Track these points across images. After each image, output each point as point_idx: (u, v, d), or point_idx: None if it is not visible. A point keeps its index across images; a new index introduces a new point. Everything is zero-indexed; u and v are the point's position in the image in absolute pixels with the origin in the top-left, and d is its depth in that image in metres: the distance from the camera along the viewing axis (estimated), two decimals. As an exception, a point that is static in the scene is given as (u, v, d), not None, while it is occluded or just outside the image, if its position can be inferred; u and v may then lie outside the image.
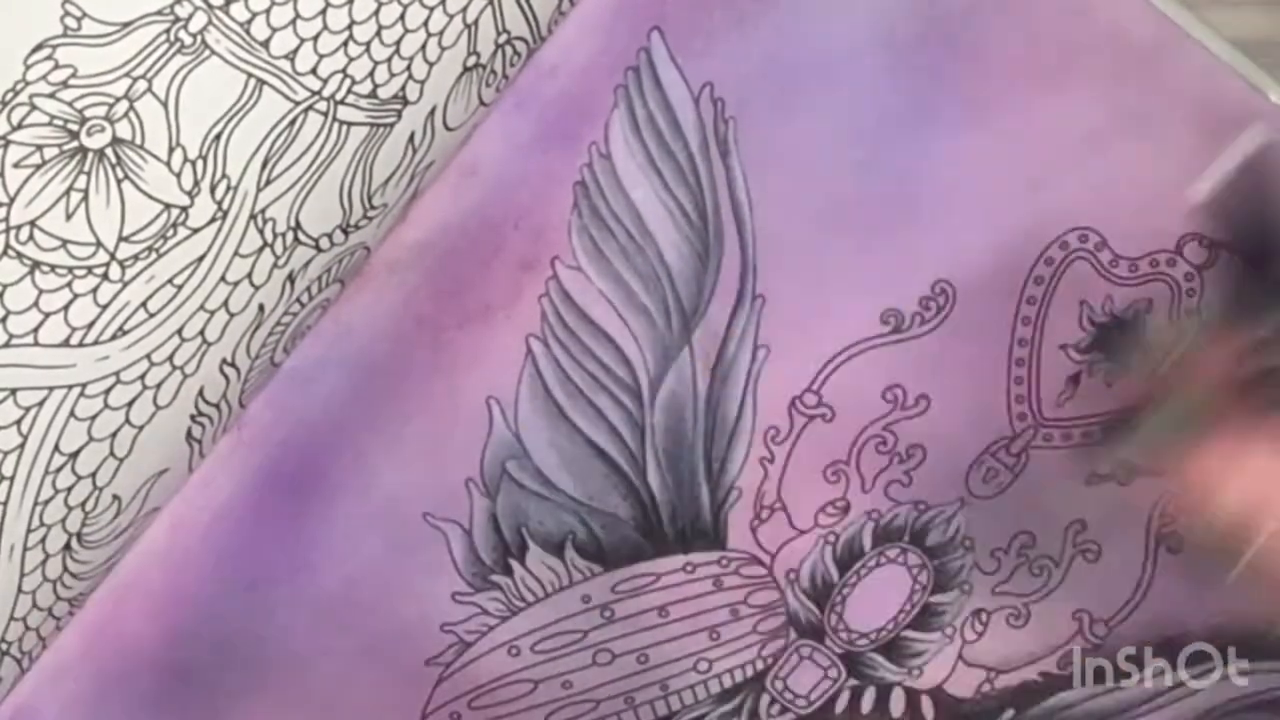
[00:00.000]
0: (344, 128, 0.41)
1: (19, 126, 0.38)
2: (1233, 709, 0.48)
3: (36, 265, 0.38)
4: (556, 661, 0.48)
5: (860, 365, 0.47)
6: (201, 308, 0.41)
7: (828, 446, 0.48)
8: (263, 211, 0.41)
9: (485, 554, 0.47)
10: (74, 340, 0.39)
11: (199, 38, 0.39)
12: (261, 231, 0.41)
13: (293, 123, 0.40)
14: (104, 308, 0.39)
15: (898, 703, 0.48)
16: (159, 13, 0.39)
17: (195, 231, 0.40)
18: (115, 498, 0.42)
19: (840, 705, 0.49)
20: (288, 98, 0.40)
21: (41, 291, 0.39)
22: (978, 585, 0.48)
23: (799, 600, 0.48)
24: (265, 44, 0.39)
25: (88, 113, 0.38)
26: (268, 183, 0.40)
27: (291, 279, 0.42)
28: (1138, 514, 0.48)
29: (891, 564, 0.48)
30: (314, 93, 0.40)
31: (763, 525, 0.48)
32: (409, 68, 0.41)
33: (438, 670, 0.48)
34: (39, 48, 0.38)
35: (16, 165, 0.38)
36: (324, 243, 0.42)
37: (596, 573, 0.48)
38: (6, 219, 0.38)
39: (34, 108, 0.38)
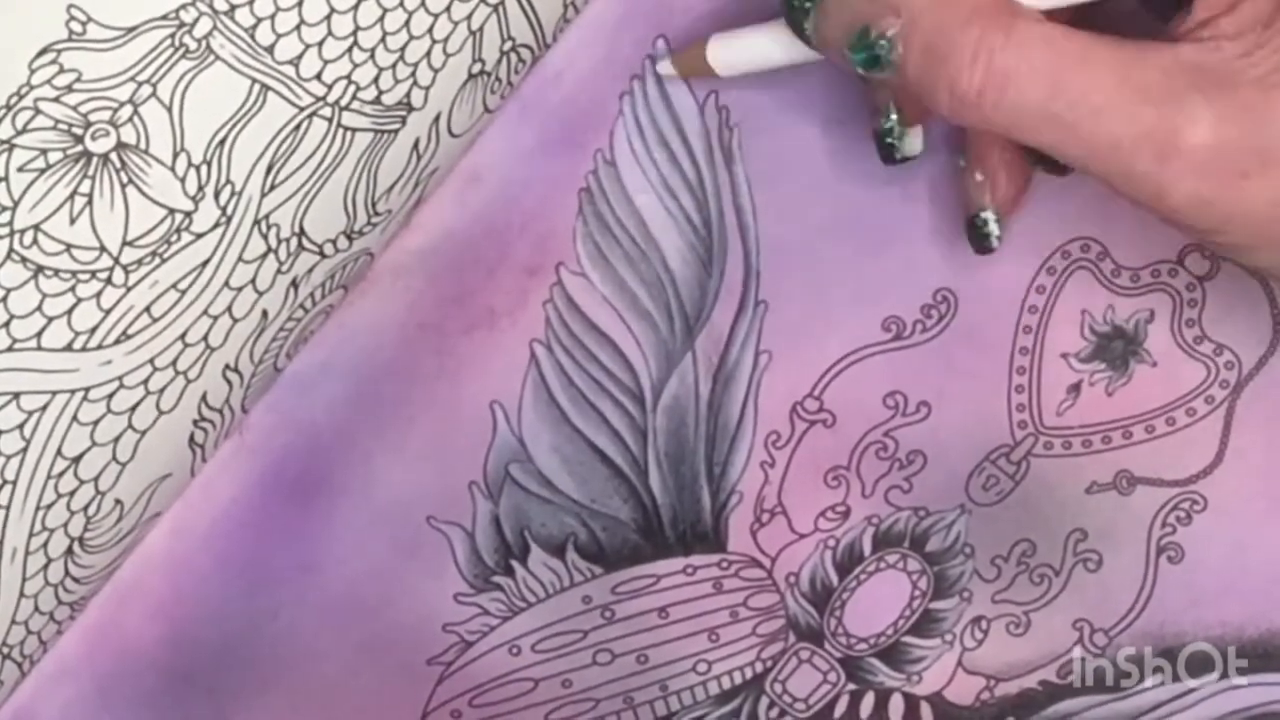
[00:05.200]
0: (348, 134, 0.41)
1: (23, 131, 0.38)
2: (1233, 720, 0.48)
3: (40, 270, 0.38)
4: (557, 661, 0.48)
5: (861, 371, 0.47)
6: (205, 313, 0.41)
7: (828, 452, 0.48)
8: (267, 217, 0.40)
9: (487, 555, 0.47)
10: (77, 345, 0.39)
11: (204, 43, 0.39)
12: (265, 237, 0.41)
13: (297, 128, 0.40)
14: (107, 312, 0.39)
15: (896, 709, 0.48)
16: (164, 17, 0.38)
17: (199, 236, 0.40)
18: (118, 502, 0.42)
19: (839, 710, 0.49)
20: (292, 103, 0.40)
21: (45, 296, 0.39)
22: (978, 592, 0.48)
23: (798, 604, 0.48)
24: (270, 49, 0.39)
25: (92, 117, 0.38)
26: (272, 188, 0.40)
27: (295, 284, 0.42)
28: (1138, 523, 0.48)
29: (891, 569, 0.48)
30: (319, 98, 0.40)
31: (763, 529, 0.48)
32: (414, 74, 0.41)
33: (439, 669, 0.48)
34: (44, 52, 0.38)
35: (21, 169, 0.38)
36: (328, 248, 0.42)
37: (597, 574, 0.48)
38: (10, 223, 0.38)
39: (39, 112, 0.38)
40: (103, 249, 0.39)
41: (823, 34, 0.41)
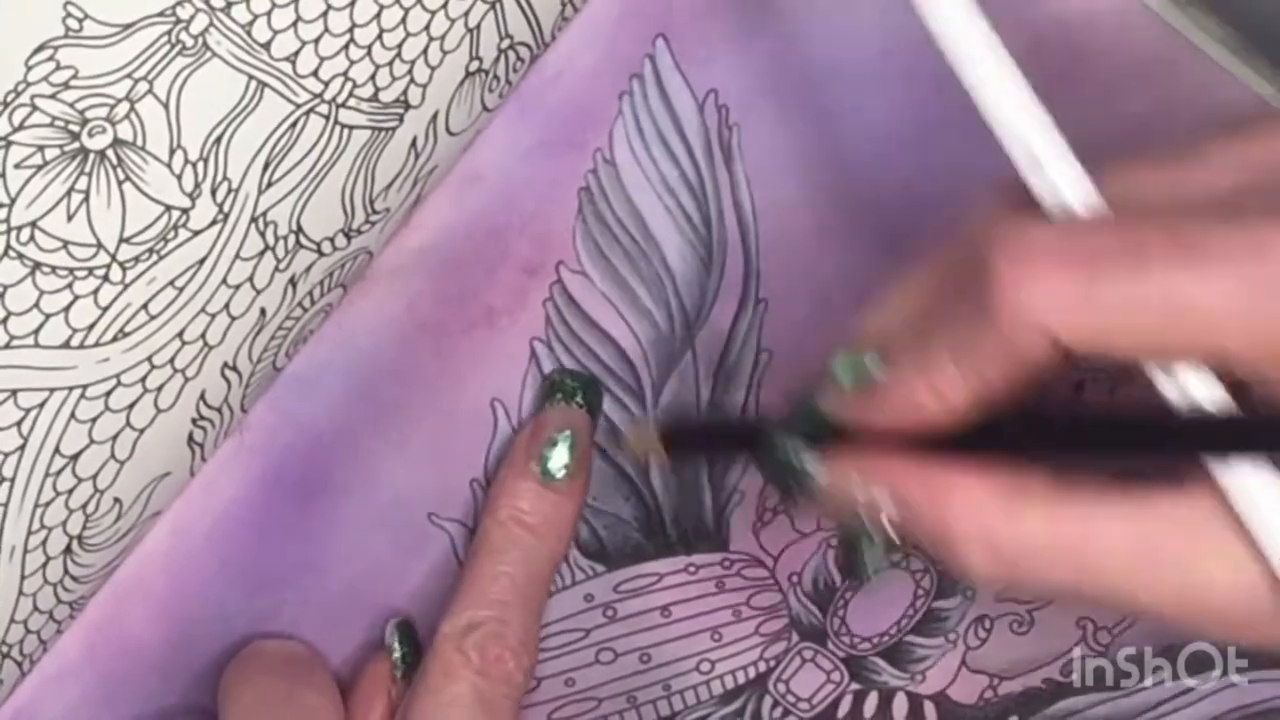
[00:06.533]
0: (346, 131, 0.41)
1: (20, 127, 0.38)
2: (1235, 718, 0.48)
3: (37, 266, 0.38)
4: (559, 659, 0.48)
5: (863, 370, 0.47)
6: (203, 310, 0.41)
7: (831, 450, 0.48)
8: (264, 214, 0.40)
9: (489, 554, 0.47)
10: (75, 342, 0.39)
11: (200, 39, 0.39)
12: (263, 234, 0.41)
13: (294, 125, 0.40)
14: (105, 309, 0.39)
15: (900, 708, 0.49)
16: (160, 14, 0.38)
17: (196, 234, 0.40)
18: (116, 500, 0.42)
19: (843, 709, 0.49)
20: (289, 100, 0.40)
21: (42, 293, 0.39)
22: (981, 591, 0.48)
23: (801, 603, 0.48)
24: (267, 46, 0.39)
25: (89, 114, 0.38)
26: (269, 185, 0.40)
27: (293, 283, 0.42)
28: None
29: (894, 568, 0.48)
30: (315, 95, 0.40)
31: (765, 528, 0.48)
32: (411, 71, 0.41)
33: (441, 669, 0.48)
34: (40, 48, 0.38)
35: (18, 166, 0.38)
36: (326, 247, 0.42)
37: (599, 572, 0.48)
38: (7, 220, 0.38)
39: (35, 109, 0.38)
40: (100, 246, 0.39)
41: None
